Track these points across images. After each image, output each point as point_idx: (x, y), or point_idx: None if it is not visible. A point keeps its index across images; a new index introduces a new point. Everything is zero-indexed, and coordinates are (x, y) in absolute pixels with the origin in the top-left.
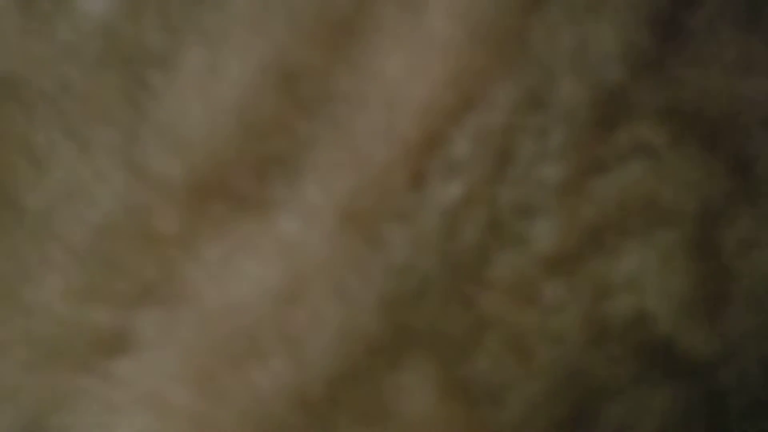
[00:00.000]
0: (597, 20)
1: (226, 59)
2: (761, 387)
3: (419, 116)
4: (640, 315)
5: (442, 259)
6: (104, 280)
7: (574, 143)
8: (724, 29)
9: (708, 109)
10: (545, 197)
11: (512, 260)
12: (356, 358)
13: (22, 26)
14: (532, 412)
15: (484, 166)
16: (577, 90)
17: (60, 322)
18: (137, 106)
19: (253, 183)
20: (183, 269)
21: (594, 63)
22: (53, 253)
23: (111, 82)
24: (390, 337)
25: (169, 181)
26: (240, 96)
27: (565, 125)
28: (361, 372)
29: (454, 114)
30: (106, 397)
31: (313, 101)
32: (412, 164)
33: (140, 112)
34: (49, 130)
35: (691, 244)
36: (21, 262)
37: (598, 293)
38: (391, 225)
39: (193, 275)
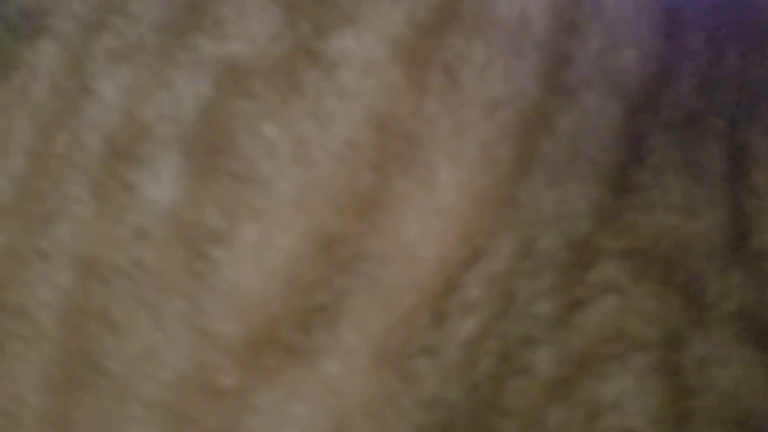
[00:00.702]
0: (569, 182)
1: (275, 233)
2: None
3: (436, 268)
4: None
5: (466, 390)
6: None
7: (559, 284)
8: (669, 178)
9: (661, 249)
10: (542, 330)
11: (522, 388)
12: None
13: (98, 212)
14: None
15: (492, 304)
16: (556, 240)
17: None
18: (200, 277)
19: (300, 334)
20: (241, 418)
21: (567, 216)
22: (133, 410)
23: (177, 257)
24: None
25: (229, 340)
26: (287, 262)
27: (550, 269)
28: None
29: (465, 264)
30: None
31: (348, 260)
32: (434, 306)
33: (203, 281)
34: (125, 302)
35: (659, 367)
36: (106, 419)
37: (590, 415)
38: (419, 360)
39: (250, 423)
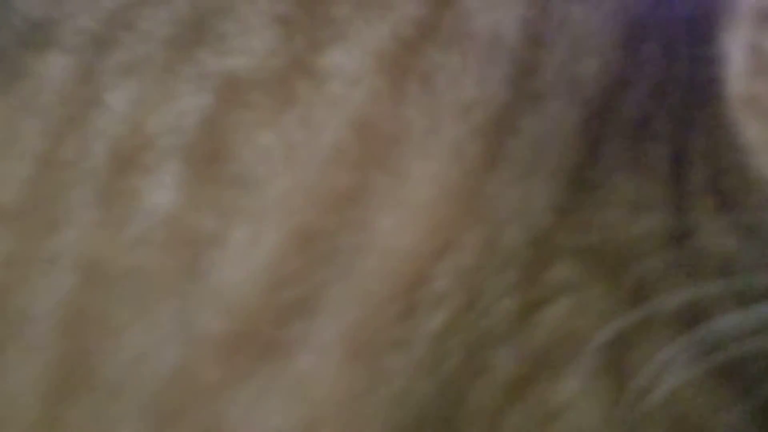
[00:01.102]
0: (532, 179)
1: (263, 232)
2: None
3: (408, 259)
4: None
5: (435, 389)
6: (165, 430)
7: (521, 281)
8: (619, 177)
9: (611, 247)
10: (504, 329)
11: (485, 388)
12: None
13: (102, 218)
14: None
15: (459, 298)
16: (519, 234)
17: None
18: (194, 278)
19: (278, 328)
20: (222, 413)
21: (529, 211)
22: (124, 410)
23: (175, 260)
24: None
25: (215, 337)
26: (272, 259)
27: (513, 265)
28: None
29: (435, 255)
30: None
31: (326, 253)
32: (405, 298)
33: (196, 283)
34: (123, 305)
35: (608, 369)
36: (98, 420)
37: (546, 416)
38: (390, 355)
39: (229, 417)
